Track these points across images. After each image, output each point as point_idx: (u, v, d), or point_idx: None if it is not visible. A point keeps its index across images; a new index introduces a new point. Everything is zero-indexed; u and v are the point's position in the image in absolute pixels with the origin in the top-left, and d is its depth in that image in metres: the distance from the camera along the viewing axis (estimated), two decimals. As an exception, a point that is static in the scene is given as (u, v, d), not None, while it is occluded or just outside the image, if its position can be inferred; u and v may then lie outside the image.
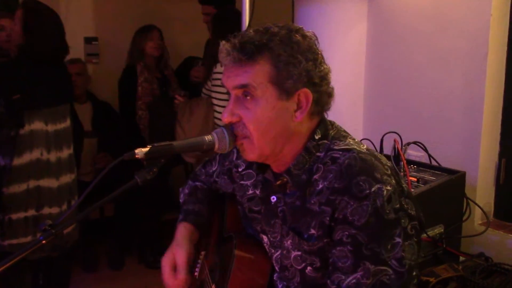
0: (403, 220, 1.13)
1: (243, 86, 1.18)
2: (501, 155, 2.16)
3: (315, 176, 1.20)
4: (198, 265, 1.53)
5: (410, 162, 2.10)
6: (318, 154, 1.22)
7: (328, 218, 1.15)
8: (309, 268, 1.23)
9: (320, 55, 1.21)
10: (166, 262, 1.44)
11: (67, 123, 2.84)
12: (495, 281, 1.66)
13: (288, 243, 1.27)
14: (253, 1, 2.30)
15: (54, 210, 2.74)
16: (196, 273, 1.52)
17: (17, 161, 2.63)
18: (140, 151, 1.15)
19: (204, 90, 3.36)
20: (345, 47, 2.62)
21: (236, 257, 1.33)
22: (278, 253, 1.32)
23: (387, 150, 2.07)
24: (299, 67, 1.16)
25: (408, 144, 2.06)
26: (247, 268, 1.34)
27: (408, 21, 2.40)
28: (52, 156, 2.74)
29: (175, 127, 3.23)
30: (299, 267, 1.25)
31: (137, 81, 3.68)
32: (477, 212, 2.10)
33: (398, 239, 1.11)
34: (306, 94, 1.19)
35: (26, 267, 2.81)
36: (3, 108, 2.57)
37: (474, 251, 1.95)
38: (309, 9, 2.62)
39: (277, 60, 1.16)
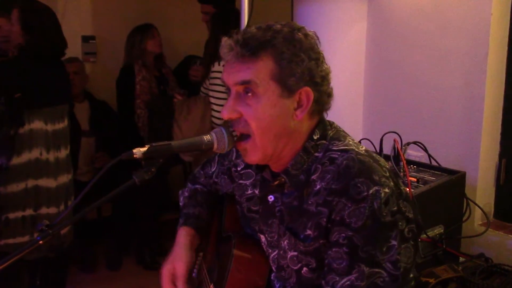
0: (400, 223, 1.13)
1: (245, 82, 1.16)
2: (502, 155, 2.16)
3: (313, 177, 1.19)
4: (196, 266, 1.53)
5: (410, 162, 2.09)
6: (316, 154, 1.21)
7: (324, 219, 1.15)
8: (305, 268, 1.23)
9: (321, 55, 1.21)
10: (165, 273, 1.44)
11: (65, 123, 2.84)
12: (495, 282, 1.66)
13: (284, 243, 1.26)
14: (252, 0, 2.29)
15: (52, 210, 2.74)
16: (194, 274, 1.52)
17: (16, 160, 2.63)
18: (138, 151, 1.14)
19: (202, 89, 3.35)
20: (344, 47, 2.62)
21: (234, 257, 1.33)
22: (275, 253, 1.32)
23: (387, 150, 2.07)
24: (302, 66, 1.16)
25: (408, 144, 2.06)
26: (245, 268, 1.34)
27: (408, 21, 2.39)
28: (51, 156, 2.74)
29: (172, 125, 3.21)
30: (295, 268, 1.25)
31: (135, 80, 3.67)
32: (477, 212, 2.10)
33: (393, 242, 1.11)
34: (307, 93, 1.18)
35: (23, 267, 2.81)
36: (3, 106, 2.56)
37: (474, 251, 1.95)
38: (309, 8, 2.61)
39: (280, 58, 1.15)
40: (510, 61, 2.10)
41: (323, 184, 1.16)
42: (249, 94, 1.17)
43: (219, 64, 3.07)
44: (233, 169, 1.47)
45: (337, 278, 1.11)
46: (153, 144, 1.17)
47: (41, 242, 1.10)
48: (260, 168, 1.33)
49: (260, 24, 1.21)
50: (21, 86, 2.62)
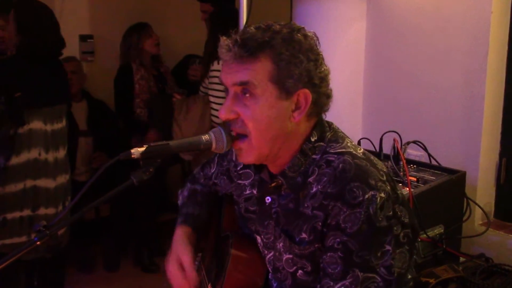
0: (395, 228, 1.12)
1: (243, 83, 1.16)
2: (502, 154, 2.16)
3: (310, 179, 1.19)
4: (195, 267, 1.51)
5: (409, 161, 2.09)
6: (314, 156, 1.21)
7: (320, 224, 1.15)
8: (300, 271, 1.23)
9: (320, 56, 1.20)
10: (171, 263, 1.42)
11: (63, 123, 2.83)
12: (495, 282, 1.66)
13: (280, 245, 1.26)
14: (251, -1, 2.28)
15: (50, 210, 2.72)
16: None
17: (14, 160, 2.61)
18: (136, 151, 1.13)
19: (201, 88, 3.34)
20: (344, 46, 2.61)
21: (232, 256, 1.33)
22: (271, 254, 1.31)
23: (387, 149, 2.06)
24: (300, 67, 1.15)
25: (408, 143, 2.05)
26: (243, 267, 1.34)
27: (408, 19, 2.39)
28: (50, 156, 2.73)
29: (172, 124, 3.21)
30: (291, 270, 1.25)
31: (133, 79, 3.66)
32: (478, 212, 2.10)
33: (388, 247, 1.11)
34: (305, 95, 1.17)
35: (20, 267, 2.79)
36: (3, 106, 2.55)
37: (474, 251, 1.95)
38: (308, 7, 2.61)
39: (278, 59, 1.14)
40: (510, 60, 2.10)
41: (319, 187, 1.16)
42: (247, 95, 1.16)
43: (218, 63, 3.06)
44: (232, 169, 1.47)
45: (332, 283, 1.11)
46: (151, 144, 1.16)
47: (38, 243, 1.09)
48: (259, 168, 1.32)
49: (259, 24, 1.20)
50: (20, 85, 2.61)
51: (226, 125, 1.22)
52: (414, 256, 1.20)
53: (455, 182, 1.91)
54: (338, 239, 1.11)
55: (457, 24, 2.16)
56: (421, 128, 2.32)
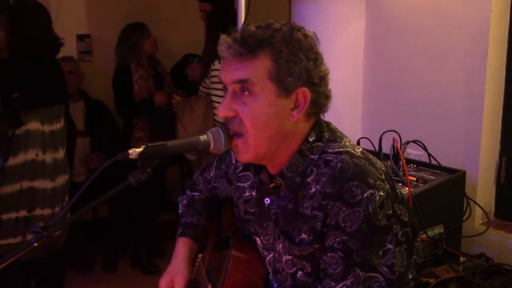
0: (394, 226, 1.13)
1: (242, 81, 1.16)
2: (502, 153, 2.16)
3: (308, 179, 1.19)
4: (195, 268, 1.53)
5: (409, 161, 2.09)
6: (312, 156, 1.21)
7: (319, 224, 1.15)
8: (300, 272, 1.23)
9: (320, 56, 1.21)
10: (165, 279, 1.44)
11: (62, 123, 2.83)
12: (496, 282, 1.66)
13: (279, 246, 1.27)
14: (249, -1, 2.27)
15: (46, 211, 2.72)
16: (192, 275, 1.51)
17: (11, 161, 2.61)
18: (134, 152, 1.13)
19: (201, 88, 3.33)
20: (343, 44, 2.61)
21: (232, 257, 1.33)
22: (270, 255, 1.31)
23: (386, 149, 2.06)
24: (300, 65, 1.15)
25: (407, 142, 2.05)
26: (243, 268, 1.34)
27: (407, 18, 2.38)
28: (48, 157, 2.72)
29: (176, 125, 3.21)
30: (290, 271, 1.25)
31: (132, 79, 3.65)
32: (478, 211, 2.09)
33: (389, 246, 1.11)
34: (304, 93, 1.17)
35: (16, 268, 2.78)
36: (1, 107, 2.55)
37: (474, 251, 1.94)
38: (307, 6, 2.60)
39: (278, 56, 1.14)
40: (510, 58, 2.09)
41: (318, 187, 1.16)
42: (246, 93, 1.16)
43: (219, 63, 3.05)
44: (231, 171, 1.47)
45: (333, 284, 1.11)
46: (149, 144, 1.16)
47: (35, 244, 1.09)
48: (258, 170, 1.32)
49: (259, 22, 1.20)
50: (17, 86, 2.60)
51: (225, 125, 1.22)
52: (414, 256, 1.19)
53: (455, 181, 1.91)
54: (338, 239, 1.11)
55: (456, 22, 2.15)
56: (420, 127, 2.32)
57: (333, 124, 1.30)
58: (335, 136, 1.24)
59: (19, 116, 2.59)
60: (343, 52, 2.61)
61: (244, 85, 1.15)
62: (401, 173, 1.91)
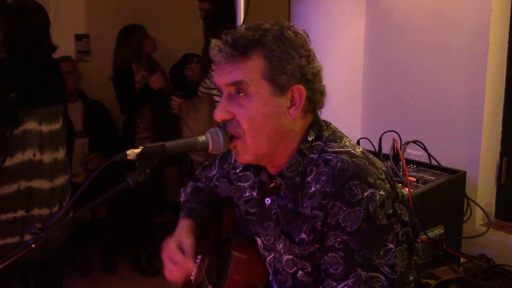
0: (395, 226, 1.13)
1: (237, 83, 1.16)
2: (503, 154, 2.15)
3: (308, 179, 1.19)
4: (195, 269, 1.51)
5: (409, 161, 2.08)
6: (311, 155, 1.21)
7: (320, 223, 1.15)
8: (300, 272, 1.23)
9: (312, 53, 1.21)
10: (171, 242, 1.39)
11: (60, 123, 2.82)
12: (496, 283, 1.65)
13: (280, 246, 1.27)
14: (248, -1, 2.26)
15: (44, 211, 2.71)
16: (192, 278, 1.51)
17: (8, 162, 2.60)
18: (132, 152, 1.13)
19: (201, 89, 3.31)
20: (342, 44, 2.60)
21: (233, 258, 1.33)
22: (271, 256, 1.31)
23: (386, 149, 2.05)
24: (293, 63, 1.16)
25: (407, 143, 2.05)
26: (244, 269, 1.34)
27: (407, 18, 2.37)
28: (46, 157, 2.72)
29: (181, 126, 3.22)
30: (291, 271, 1.25)
31: (134, 80, 3.66)
32: (478, 212, 2.08)
33: (390, 245, 1.11)
34: (299, 90, 1.18)
35: (15, 268, 2.77)
36: None
37: (475, 252, 1.94)
38: (306, 5, 2.59)
39: (270, 56, 1.15)
40: (510, 58, 2.09)
41: (318, 186, 1.16)
42: (241, 94, 1.16)
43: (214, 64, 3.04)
44: (232, 171, 1.47)
45: (334, 284, 1.11)
46: (147, 145, 1.16)
47: (33, 245, 1.09)
48: (258, 171, 1.32)
49: (250, 24, 1.21)
50: (14, 86, 2.60)
51: (223, 126, 1.22)
52: (415, 257, 1.19)
53: (455, 182, 1.90)
54: (338, 239, 1.11)
55: (457, 22, 2.15)
56: (420, 127, 2.31)
57: (333, 124, 1.29)
58: (334, 135, 1.24)
59: (16, 116, 2.59)
60: (343, 52, 2.60)
61: (238, 86, 1.16)
62: (401, 173, 1.90)
